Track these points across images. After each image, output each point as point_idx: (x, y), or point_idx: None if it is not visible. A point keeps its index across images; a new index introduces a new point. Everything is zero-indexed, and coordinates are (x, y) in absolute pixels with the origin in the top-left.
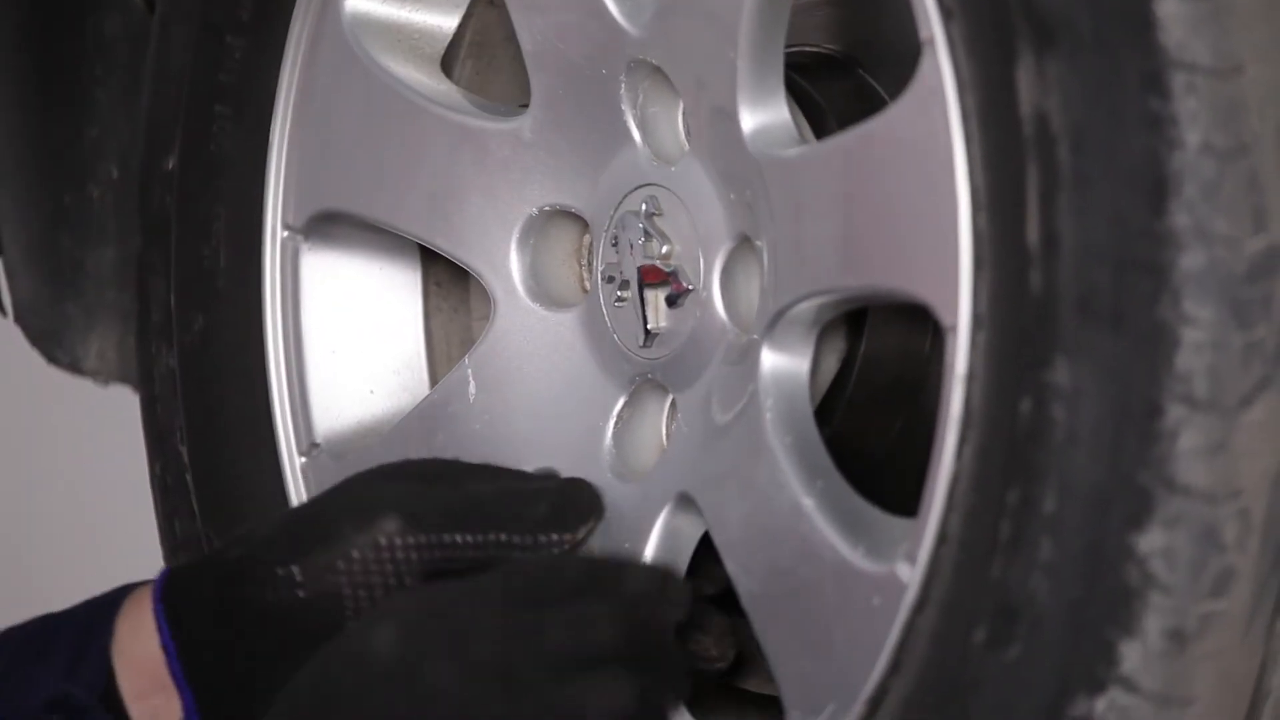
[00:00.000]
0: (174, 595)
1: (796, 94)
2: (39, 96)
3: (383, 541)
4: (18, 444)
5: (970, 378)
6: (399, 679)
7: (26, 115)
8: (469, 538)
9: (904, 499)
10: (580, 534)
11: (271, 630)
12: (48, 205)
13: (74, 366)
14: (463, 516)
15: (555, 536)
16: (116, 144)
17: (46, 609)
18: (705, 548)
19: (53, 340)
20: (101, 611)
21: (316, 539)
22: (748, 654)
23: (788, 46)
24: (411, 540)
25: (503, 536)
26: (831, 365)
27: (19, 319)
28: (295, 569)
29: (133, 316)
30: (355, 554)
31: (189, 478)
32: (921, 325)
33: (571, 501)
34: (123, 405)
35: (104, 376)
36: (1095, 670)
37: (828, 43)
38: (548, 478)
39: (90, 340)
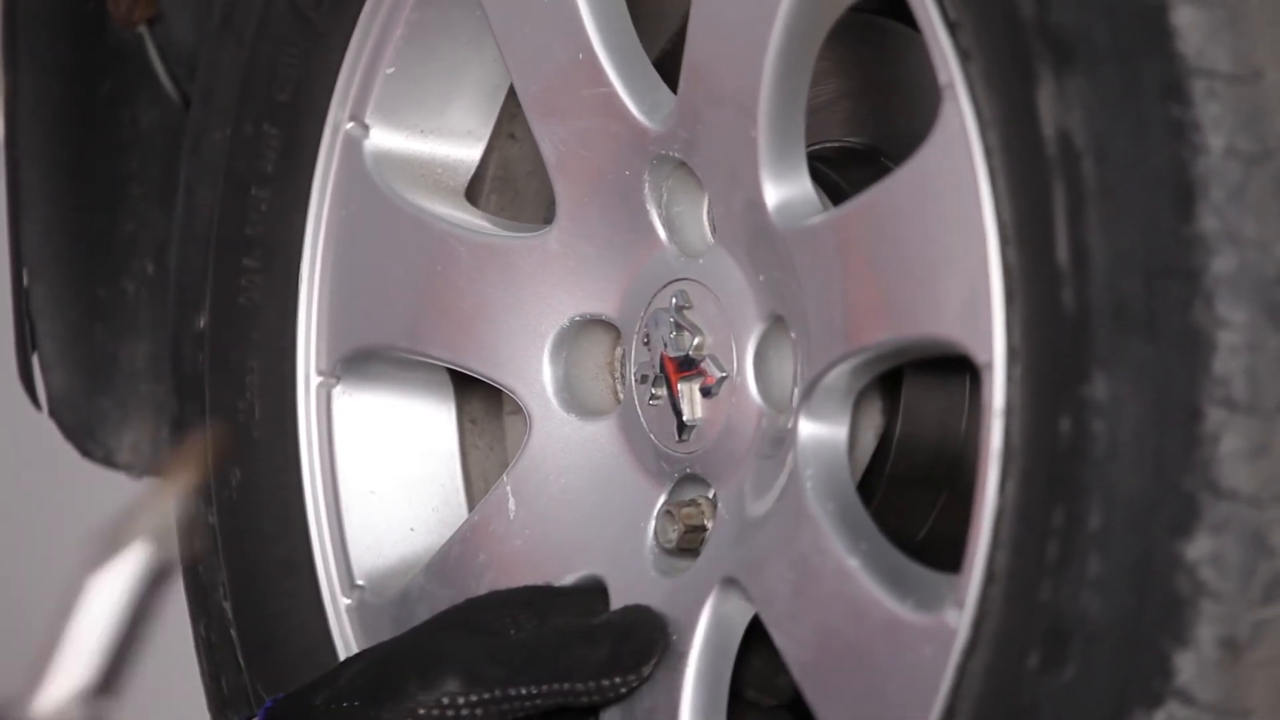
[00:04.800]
0: None
1: (822, 182)
2: (74, 190)
3: (445, 701)
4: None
5: (1008, 411)
6: None
7: (62, 208)
8: (532, 689)
9: (947, 570)
10: (645, 672)
11: None
12: (82, 299)
13: (108, 460)
14: (524, 669)
15: (619, 679)
16: (151, 239)
17: None
18: (769, 660)
19: (87, 434)
20: None
21: (387, 695)
22: None
23: (812, 143)
24: (475, 698)
25: (565, 685)
26: (869, 441)
27: (53, 413)
28: None
29: (166, 410)
30: (421, 712)
31: (234, 632)
32: (958, 400)
33: (633, 639)
34: None
35: (137, 470)
36: (1151, 684)
37: (849, 136)
38: (610, 614)
39: (124, 434)
